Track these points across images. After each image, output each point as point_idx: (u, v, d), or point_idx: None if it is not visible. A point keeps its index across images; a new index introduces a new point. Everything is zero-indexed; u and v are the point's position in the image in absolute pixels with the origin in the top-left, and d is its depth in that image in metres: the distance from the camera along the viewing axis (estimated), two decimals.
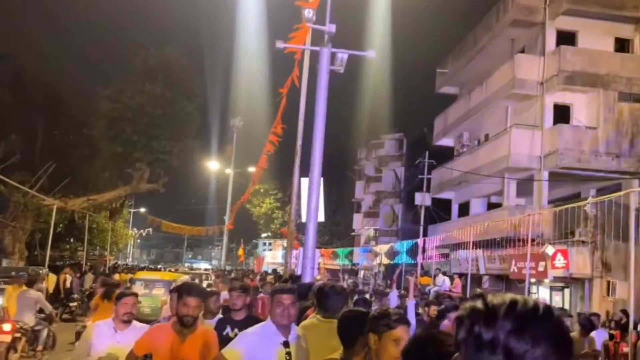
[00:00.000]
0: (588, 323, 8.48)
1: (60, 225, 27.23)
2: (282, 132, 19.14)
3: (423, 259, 22.96)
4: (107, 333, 4.34)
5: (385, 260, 26.60)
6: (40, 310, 10.17)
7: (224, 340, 4.05)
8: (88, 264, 26.64)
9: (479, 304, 1.15)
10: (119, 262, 42.03)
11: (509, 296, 1.14)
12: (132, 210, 46.93)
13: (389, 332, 2.49)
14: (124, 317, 4.39)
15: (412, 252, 23.97)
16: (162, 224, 36.04)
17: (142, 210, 47.56)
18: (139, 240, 68.73)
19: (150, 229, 49.71)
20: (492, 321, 1.08)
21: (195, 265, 57.39)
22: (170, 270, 26.70)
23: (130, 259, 62.04)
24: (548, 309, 1.11)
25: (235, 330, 4.48)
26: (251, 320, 4.56)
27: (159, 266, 46.82)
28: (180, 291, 3.84)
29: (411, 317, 6.10)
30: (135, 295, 4.69)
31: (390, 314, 2.57)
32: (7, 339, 8.91)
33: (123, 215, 38.28)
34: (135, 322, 4.50)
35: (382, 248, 28.05)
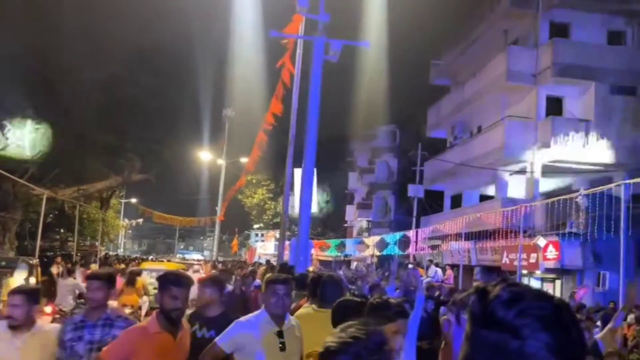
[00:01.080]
0: (610, 319, 7.45)
1: (50, 215, 27.04)
2: (274, 122, 19.00)
3: (415, 250, 23.05)
4: (2, 336, 3.54)
5: (377, 252, 26.72)
6: (79, 296, 11.30)
7: (193, 339, 3.65)
8: (79, 254, 26.48)
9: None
10: (110, 253, 41.85)
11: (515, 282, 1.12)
12: (124, 201, 46.67)
13: (388, 324, 2.37)
14: (8, 321, 3.54)
15: (402, 243, 24.12)
16: (153, 214, 35.87)
17: (134, 200, 47.33)
18: (130, 231, 68.44)
19: (141, 220, 49.49)
20: (486, 294, 1.07)
21: (187, 256, 57.27)
22: (161, 261, 26.63)
23: (121, 250, 61.81)
24: (550, 295, 1.08)
25: (204, 329, 3.86)
26: (226, 318, 3.82)
27: (150, 257, 46.69)
28: (165, 281, 3.35)
29: (418, 311, 5.94)
30: (25, 293, 3.61)
31: (391, 305, 2.48)
32: (48, 320, 9.82)
33: (114, 205, 38.06)
34: (40, 323, 3.73)
35: (373, 240, 28.16)
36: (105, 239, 35.82)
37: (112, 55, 25.23)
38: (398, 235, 25.43)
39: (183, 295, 3.32)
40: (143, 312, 11.92)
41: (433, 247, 22.72)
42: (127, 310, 10.64)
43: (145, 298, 11.63)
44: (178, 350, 3.33)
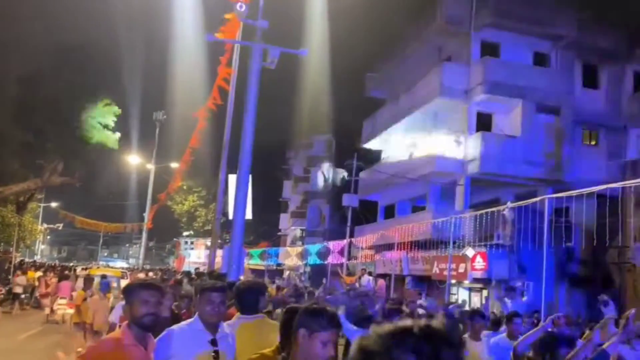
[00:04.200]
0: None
1: None
2: (208, 127, 18.58)
3: (349, 259, 23.14)
4: None
5: (297, 261, 26.99)
6: None
7: None
8: None
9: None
10: (27, 259, 39.26)
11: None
12: (43, 205, 44.03)
13: (321, 332, 2.31)
14: None
15: (322, 254, 24.61)
16: (75, 219, 33.97)
17: (54, 204, 44.75)
18: (48, 237, 64.68)
19: (61, 225, 46.79)
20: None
21: (111, 264, 54.66)
22: (83, 269, 25.35)
23: (39, 256, 58.25)
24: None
25: None
26: None
27: (70, 264, 44.23)
28: (132, 288, 3.18)
29: None
30: None
31: (326, 314, 2.38)
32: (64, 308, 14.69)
33: (32, 209, 35.78)
34: None
35: (296, 249, 28.43)
36: (21, 244, 33.54)
37: (33, 50, 23.74)
38: (319, 245, 25.89)
39: (154, 299, 3.09)
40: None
41: (366, 257, 22.89)
42: None
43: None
44: None
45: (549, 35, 20.85)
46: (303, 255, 26.43)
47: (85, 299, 10.57)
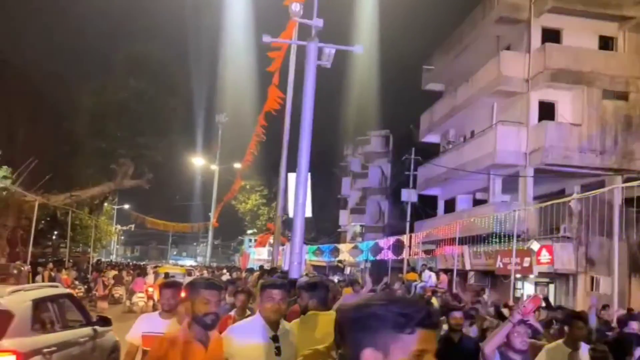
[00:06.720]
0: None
1: (42, 221, 26.80)
2: (268, 127, 19.08)
3: (409, 254, 23.07)
4: None
5: (350, 258, 27.21)
6: None
7: None
8: (71, 260, 26.28)
9: None
10: (103, 259, 41.57)
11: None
12: (116, 207, 46.43)
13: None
14: None
15: (374, 250, 24.64)
16: (146, 220, 35.71)
17: (126, 206, 47.11)
18: (122, 237, 68.06)
19: (133, 225, 49.23)
20: None
21: (180, 262, 56.94)
22: (158, 267, 26.77)
23: (114, 256, 61.45)
24: None
25: None
26: None
27: (142, 263, 46.46)
28: (195, 286, 3.20)
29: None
30: None
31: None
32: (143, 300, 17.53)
33: (106, 211, 37.83)
34: None
35: (347, 246, 28.71)
36: (98, 245, 35.58)
37: (105, 60, 25.19)
38: (371, 242, 26.00)
39: (215, 299, 3.13)
40: None
41: (427, 252, 22.73)
42: None
43: None
44: None
45: (615, 17, 19.89)
46: (355, 252, 26.70)
47: None
